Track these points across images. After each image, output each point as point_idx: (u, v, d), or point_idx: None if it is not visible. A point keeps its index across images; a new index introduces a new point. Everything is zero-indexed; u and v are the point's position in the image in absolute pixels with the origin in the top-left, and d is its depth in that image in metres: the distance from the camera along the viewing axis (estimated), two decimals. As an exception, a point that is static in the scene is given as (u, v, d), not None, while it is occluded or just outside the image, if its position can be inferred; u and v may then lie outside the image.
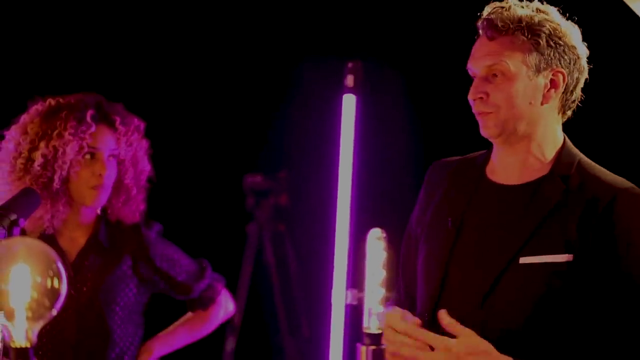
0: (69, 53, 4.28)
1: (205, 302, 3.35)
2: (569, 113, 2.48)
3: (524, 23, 2.38)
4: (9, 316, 1.60)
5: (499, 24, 2.39)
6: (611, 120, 3.75)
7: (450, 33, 3.06)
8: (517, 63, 2.39)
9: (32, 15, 4.29)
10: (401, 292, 2.62)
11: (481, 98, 2.41)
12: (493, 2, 2.47)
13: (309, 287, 4.28)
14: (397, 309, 2.43)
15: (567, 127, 2.54)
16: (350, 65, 3.91)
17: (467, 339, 2.30)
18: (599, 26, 2.95)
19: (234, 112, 4.41)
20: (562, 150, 2.44)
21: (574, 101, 2.46)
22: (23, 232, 2.45)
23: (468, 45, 2.57)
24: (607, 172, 2.43)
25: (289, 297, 4.44)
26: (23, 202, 2.61)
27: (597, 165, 2.45)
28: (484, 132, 2.43)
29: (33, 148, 3.09)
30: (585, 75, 2.47)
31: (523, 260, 2.35)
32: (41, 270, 1.61)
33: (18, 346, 1.60)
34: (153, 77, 4.31)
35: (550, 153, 2.44)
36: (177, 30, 4.38)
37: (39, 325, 1.65)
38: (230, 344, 4.63)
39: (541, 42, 2.38)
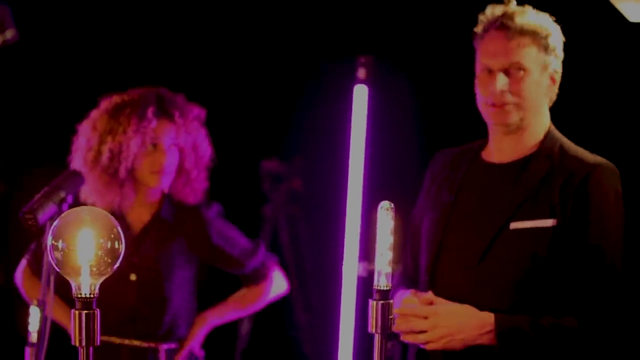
0: (111, 50, 4.53)
1: (257, 277, 3.60)
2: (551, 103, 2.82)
3: (536, 27, 2.71)
4: (76, 272, 1.86)
5: (517, 27, 2.70)
6: (593, 111, 3.99)
7: (455, 28, 3.29)
8: (531, 61, 2.70)
9: (106, 20, 4.55)
10: (408, 261, 2.92)
11: (503, 91, 2.70)
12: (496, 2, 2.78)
13: (321, 264, 4.53)
14: (406, 293, 2.76)
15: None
16: (362, 59, 4.16)
17: (451, 304, 2.64)
18: (578, 21, 3.25)
19: (253, 101, 4.62)
20: (548, 134, 2.77)
21: (556, 94, 2.81)
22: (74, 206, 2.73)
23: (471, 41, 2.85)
24: (585, 151, 2.76)
25: (302, 275, 4.71)
26: (69, 181, 2.92)
27: (577, 146, 2.77)
28: (503, 120, 2.74)
29: (101, 142, 3.38)
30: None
31: (513, 225, 2.65)
32: (104, 233, 1.86)
33: (83, 296, 1.88)
34: (176, 64, 4.50)
35: (538, 137, 2.76)
36: (203, 24, 4.58)
37: (100, 280, 1.90)
38: (245, 327, 4.85)
39: (547, 45, 2.72)
